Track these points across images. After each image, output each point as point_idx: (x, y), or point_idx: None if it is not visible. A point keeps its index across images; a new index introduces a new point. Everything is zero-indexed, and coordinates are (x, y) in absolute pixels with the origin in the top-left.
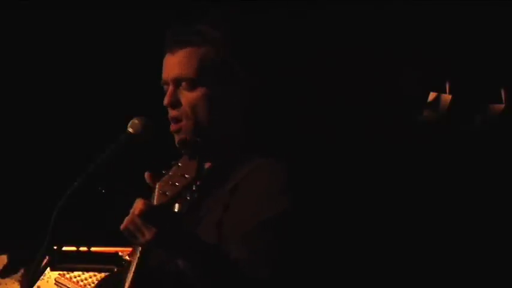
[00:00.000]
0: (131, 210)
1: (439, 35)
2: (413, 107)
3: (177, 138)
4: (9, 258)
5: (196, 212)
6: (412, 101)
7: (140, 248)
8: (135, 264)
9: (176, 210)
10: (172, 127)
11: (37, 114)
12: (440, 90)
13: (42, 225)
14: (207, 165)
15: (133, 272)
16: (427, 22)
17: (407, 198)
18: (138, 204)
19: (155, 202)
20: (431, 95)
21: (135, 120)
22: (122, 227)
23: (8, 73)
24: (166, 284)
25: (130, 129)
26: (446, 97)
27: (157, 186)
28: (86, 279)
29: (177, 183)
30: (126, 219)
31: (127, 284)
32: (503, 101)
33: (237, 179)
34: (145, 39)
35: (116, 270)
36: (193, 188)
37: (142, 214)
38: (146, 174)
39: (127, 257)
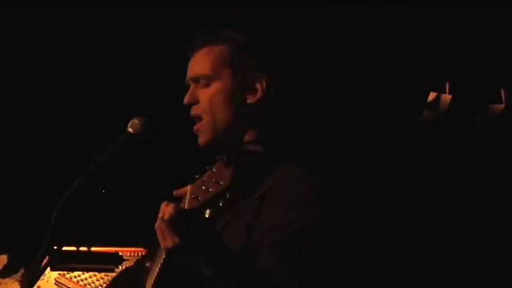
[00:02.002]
0: (159, 214)
1: (439, 35)
2: (413, 107)
3: (199, 139)
4: (9, 258)
5: (224, 217)
6: (412, 101)
7: (165, 252)
8: (158, 268)
9: (207, 216)
10: (196, 126)
11: (37, 114)
12: (440, 90)
13: (42, 225)
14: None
15: (156, 276)
16: (427, 22)
17: (407, 198)
18: (168, 209)
19: (186, 206)
20: (431, 95)
21: (135, 120)
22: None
23: (8, 73)
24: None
25: (130, 129)
26: (446, 97)
27: (188, 190)
28: (86, 279)
29: (210, 189)
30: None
31: (148, 284)
32: (503, 101)
33: (267, 186)
34: (146, 40)
35: (128, 272)
36: (227, 196)
37: (170, 219)
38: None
39: (147, 264)
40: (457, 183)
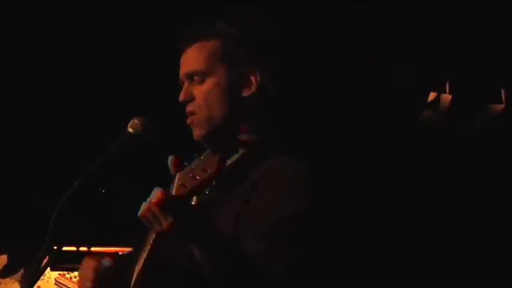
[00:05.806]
0: (149, 198)
1: (439, 35)
2: (413, 107)
3: (194, 132)
4: (9, 258)
5: (215, 206)
6: (412, 101)
7: (154, 236)
8: (146, 252)
9: (193, 203)
10: (189, 120)
11: (37, 115)
12: (440, 90)
13: (42, 225)
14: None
15: (144, 261)
16: (427, 22)
17: (407, 198)
18: (157, 193)
19: (174, 193)
20: (431, 95)
21: (135, 120)
22: (140, 213)
23: (8, 73)
24: (177, 274)
25: (130, 129)
26: (446, 97)
27: (177, 177)
28: None
29: (197, 177)
30: (144, 207)
31: (136, 271)
32: (503, 101)
33: (257, 175)
34: (146, 40)
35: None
36: (213, 184)
37: (160, 203)
38: (171, 160)
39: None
40: (457, 183)
